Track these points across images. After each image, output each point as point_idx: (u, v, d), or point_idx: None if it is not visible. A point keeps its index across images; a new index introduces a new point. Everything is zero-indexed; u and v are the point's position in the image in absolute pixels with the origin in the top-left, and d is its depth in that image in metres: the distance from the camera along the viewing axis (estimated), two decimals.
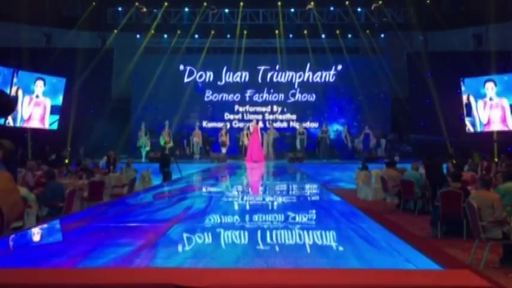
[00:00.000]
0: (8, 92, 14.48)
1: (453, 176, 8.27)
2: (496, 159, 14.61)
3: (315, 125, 22.06)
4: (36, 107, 17.27)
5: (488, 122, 17.59)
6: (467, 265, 5.86)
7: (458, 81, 18.36)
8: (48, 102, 17.62)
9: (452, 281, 2.06)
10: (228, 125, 21.49)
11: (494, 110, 17.44)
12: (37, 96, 17.29)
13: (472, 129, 17.92)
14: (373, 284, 2.00)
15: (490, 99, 17.43)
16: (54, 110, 17.85)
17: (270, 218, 7.35)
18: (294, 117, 22.28)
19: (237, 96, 22.24)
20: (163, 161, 14.77)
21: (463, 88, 18.14)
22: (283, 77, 22.30)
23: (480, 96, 17.69)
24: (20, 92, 16.61)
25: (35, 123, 17.27)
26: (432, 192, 9.29)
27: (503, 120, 17.28)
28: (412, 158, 15.86)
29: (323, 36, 22.08)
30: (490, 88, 17.38)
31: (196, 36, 22.44)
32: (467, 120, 18.06)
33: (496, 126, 17.47)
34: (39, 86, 17.29)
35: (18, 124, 16.72)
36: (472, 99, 17.86)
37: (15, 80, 16.36)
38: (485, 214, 6.18)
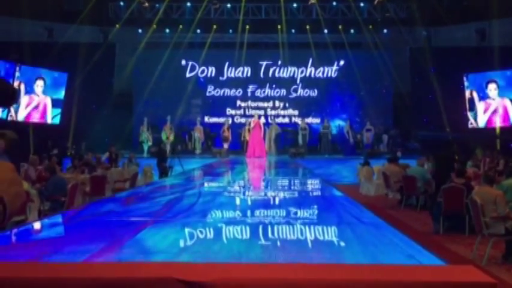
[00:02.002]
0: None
1: (457, 172, 8.25)
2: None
3: (317, 120, 22.04)
4: (38, 101, 17.31)
5: (489, 122, 17.58)
6: (470, 261, 5.85)
7: (461, 77, 18.30)
8: (48, 101, 17.63)
9: (456, 277, 2.05)
10: (230, 120, 21.48)
11: (495, 111, 17.43)
12: (40, 91, 17.34)
13: (474, 124, 17.90)
14: (377, 279, 1.99)
15: (492, 99, 17.44)
16: (56, 103, 17.88)
17: (271, 213, 7.34)
18: (296, 112, 22.26)
19: (239, 92, 22.22)
20: (160, 156, 14.72)
21: (466, 83, 18.11)
22: (285, 73, 22.27)
23: (483, 94, 17.67)
24: (22, 86, 16.62)
25: (37, 117, 17.31)
26: (436, 187, 9.27)
27: (505, 120, 17.27)
28: (417, 154, 15.71)
29: (325, 31, 21.99)
30: (492, 89, 17.37)
31: (198, 31, 22.37)
32: (469, 115, 18.04)
33: (498, 123, 17.46)
34: (39, 86, 17.31)
35: (19, 119, 16.74)
36: (474, 94, 17.85)
37: (17, 74, 16.37)
38: (488, 210, 6.17)
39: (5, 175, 0.85)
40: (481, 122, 17.73)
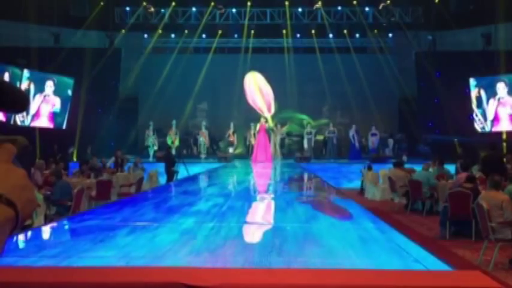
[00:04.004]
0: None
1: (467, 177, 8.21)
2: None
3: (322, 124, 22.06)
4: (45, 104, 17.48)
5: (496, 119, 17.56)
6: (477, 266, 5.82)
7: (466, 81, 18.28)
8: (57, 101, 17.82)
9: (463, 282, 2.04)
10: (236, 125, 21.48)
11: (502, 108, 17.44)
12: (48, 96, 17.54)
13: (482, 120, 17.89)
14: (383, 284, 1.98)
15: (501, 97, 17.48)
16: (63, 105, 18.08)
17: (276, 218, 7.33)
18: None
19: (244, 96, 22.21)
20: (168, 160, 14.76)
21: (474, 82, 18.16)
22: (291, 76, 22.26)
23: (491, 92, 17.69)
24: (32, 86, 16.79)
25: (43, 120, 17.47)
26: None
27: (511, 118, 17.29)
28: (427, 158, 15.54)
29: (330, 35, 22.02)
30: (501, 88, 17.40)
31: (204, 35, 22.46)
32: (477, 112, 18.06)
33: (504, 125, 17.43)
34: (49, 86, 17.52)
35: (27, 121, 16.89)
36: (482, 92, 17.88)
37: (27, 74, 16.55)
38: (495, 215, 6.14)
39: (18, 181, 0.85)
40: (490, 115, 17.70)
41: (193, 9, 21.62)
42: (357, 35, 22.51)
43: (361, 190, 13.39)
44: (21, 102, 0.89)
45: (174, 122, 20.55)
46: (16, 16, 18.37)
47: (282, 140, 21.17)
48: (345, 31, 21.97)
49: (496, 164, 9.55)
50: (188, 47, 22.29)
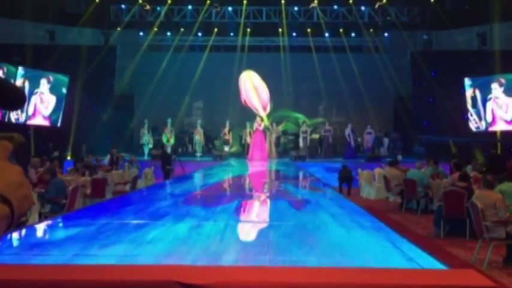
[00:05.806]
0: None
1: (460, 176, 8.24)
2: None
3: (318, 123, 22.09)
4: (40, 102, 17.44)
5: (493, 120, 17.65)
6: (471, 265, 5.84)
7: (461, 81, 18.35)
8: (52, 99, 17.78)
9: (457, 280, 2.05)
10: (231, 123, 21.47)
11: (497, 108, 17.53)
12: (43, 93, 17.49)
13: (477, 120, 17.96)
14: (378, 282, 1.99)
15: (496, 97, 17.56)
16: (58, 103, 18.02)
17: (271, 217, 7.34)
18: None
19: (240, 94, 22.20)
20: (164, 158, 14.77)
21: (469, 82, 18.24)
22: (287, 75, 22.26)
23: (486, 92, 17.77)
24: (27, 83, 16.73)
25: (38, 118, 17.42)
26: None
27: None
28: (422, 159, 15.56)
29: (326, 34, 22.03)
30: (496, 88, 17.50)
31: (200, 34, 22.42)
32: (473, 112, 18.13)
33: (500, 125, 17.50)
34: (44, 84, 17.48)
35: (22, 119, 16.83)
36: (477, 92, 17.96)
37: (22, 72, 16.49)
38: (489, 214, 6.17)
39: (14, 178, 0.85)
40: (486, 116, 17.80)
41: (189, 7, 21.54)
42: (353, 34, 22.52)
43: (340, 189, 12.68)
44: (18, 99, 0.88)
45: (169, 120, 20.51)
46: (11, 13, 18.27)
47: (278, 138, 21.18)
48: (341, 30, 21.97)
49: (501, 163, 9.72)
50: (184, 45, 22.24)
